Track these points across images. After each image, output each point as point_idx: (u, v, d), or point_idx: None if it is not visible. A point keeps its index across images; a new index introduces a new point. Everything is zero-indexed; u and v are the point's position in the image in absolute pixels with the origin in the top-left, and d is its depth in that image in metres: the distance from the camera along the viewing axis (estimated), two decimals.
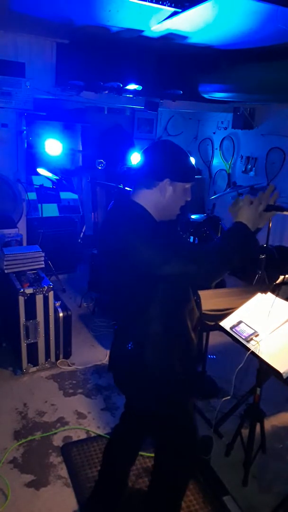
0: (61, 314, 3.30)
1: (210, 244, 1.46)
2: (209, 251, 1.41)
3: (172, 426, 1.65)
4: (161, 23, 2.82)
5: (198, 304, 1.72)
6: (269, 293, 2.25)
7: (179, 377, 1.58)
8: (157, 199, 1.51)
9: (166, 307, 1.51)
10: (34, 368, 3.23)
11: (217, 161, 5.97)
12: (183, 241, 1.62)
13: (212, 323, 2.34)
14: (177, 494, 1.82)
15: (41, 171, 4.81)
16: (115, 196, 1.63)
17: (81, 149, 5.62)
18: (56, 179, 4.88)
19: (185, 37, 3.15)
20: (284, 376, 1.80)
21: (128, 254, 1.42)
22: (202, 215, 4.45)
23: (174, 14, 2.58)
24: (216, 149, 5.93)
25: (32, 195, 4.69)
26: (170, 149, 1.53)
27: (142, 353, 1.53)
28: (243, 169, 5.39)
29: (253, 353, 1.95)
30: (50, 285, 3.15)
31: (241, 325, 2.09)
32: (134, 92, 4.02)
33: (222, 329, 2.15)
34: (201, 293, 1.52)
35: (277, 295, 2.20)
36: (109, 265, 1.57)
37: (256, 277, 3.69)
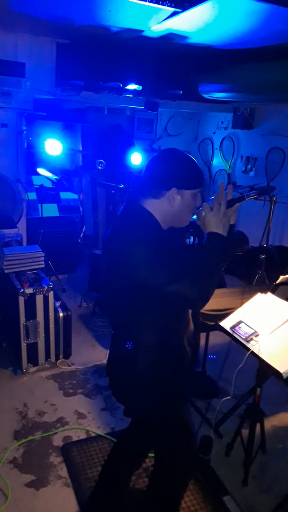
0: (61, 314, 3.30)
1: (195, 262, 1.43)
2: (198, 274, 1.40)
3: (167, 431, 1.65)
4: (161, 23, 2.82)
5: (195, 317, 1.72)
6: (269, 293, 2.25)
7: (171, 387, 1.58)
8: (166, 208, 1.50)
9: (160, 318, 1.51)
10: (34, 368, 3.23)
11: (217, 161, 5.97)
12: (183, 253, 1.61)
13: (212, 323, 2.34)
14: (175, 496, 1.82)
15: (41, 171, 4.81)
16: (126, 200, 1.60)
17: (81, 149, 5.62)
18: (56, 179, 4.89)
19: (185, 37, 3.15)
20: (284, 376, 1.80)
21: (128, 263, 1.42)
22: None
23: (174, 14, 2.58)
24: (216, 149, 5.93)
25: (32, 195, 4.69)
26: (174, 157, 1.51)
27: (134, 360, 1.53)
28: (243, 169, 5.39)
29: (253, 353, 1.95)
30: (50, 285, 3.15)
31: (241, 325, 2.09)
32: (134, 92, 4.02)
33: (222, 329, 2.15)
34: None
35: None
36: (109, 268, 1.57)
37: (256, 277, 3.69)
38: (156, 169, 1.52)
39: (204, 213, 1.49)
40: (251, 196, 1.55)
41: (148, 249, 1.39)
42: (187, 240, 1.74)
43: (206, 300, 1.43)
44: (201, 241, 1.56)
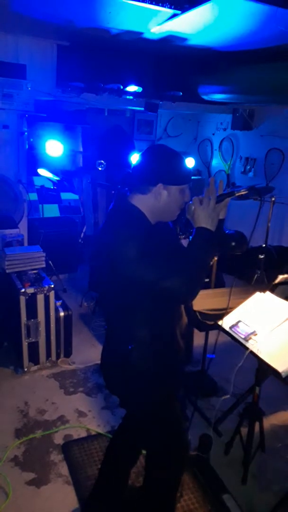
0: (62, 314, 3.32)
1: (183, 257, 1.47)
2: (186, 270, 1.43)
3: (158, 423, 1.67)
4: (161, 25, 2.84)
5: (188, 310, 1.74)
6: (267, 292, 2.27)
7: (163, 379, 1.60)
8: (153, 203, 1.52)
9: (153, 312, 1.53)
10: (35, 367, 3.25)
11: (216, 162, 5.99)
12: (172, 248, 1.63)
13: (212, 323, 2.36)
14: (169, 491, 1.84)
15: (42, 172, 4.83)
16: (115, 197, 1.63)
17: (81, 150, 5.65)
18: (57, 179, 4.91)
19: (184, 39, 3.17)
20: (283, 375, 1.82)
21: (117, 260, 1.44)
22: None
23: (173, 16, 2.60)
24: (216, 150, 5.95)
25: (33, 196, 4.71)
26: (161, 153, 1.52)
27: (129, 355, 1.55)
28: (242, 170, 5.42)
29: (252, 352, 1.96)
30: (51, 285, 3.17)
31: (240, 324, 2.10)
32: (134, 93, 4.04)
33: (222, 329, 2.17)
34: (201, 292, 1.54)
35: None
36: (101, 265, 1.59)
37: (255, 277, 3.71)
38: (143, 165, 1.54)
39: (193, 207, 1.51)
40: (241, 192, 1.57)
41: (137, 246, 1.41)
42: (187, 240, 1.76)
43: (195, 294, 1.46)
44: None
